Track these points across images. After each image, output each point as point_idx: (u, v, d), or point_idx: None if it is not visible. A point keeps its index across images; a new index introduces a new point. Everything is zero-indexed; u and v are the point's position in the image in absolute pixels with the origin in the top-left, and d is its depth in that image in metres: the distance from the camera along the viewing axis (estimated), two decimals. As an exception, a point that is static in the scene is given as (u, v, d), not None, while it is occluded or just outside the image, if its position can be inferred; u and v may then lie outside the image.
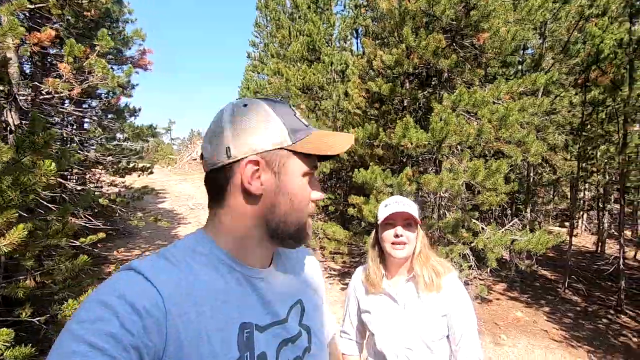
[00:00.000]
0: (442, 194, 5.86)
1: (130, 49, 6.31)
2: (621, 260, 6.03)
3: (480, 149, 5.56)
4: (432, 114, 4.98)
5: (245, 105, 0.64)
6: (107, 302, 0.47)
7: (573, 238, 8.22)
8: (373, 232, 1.51)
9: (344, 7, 10.13)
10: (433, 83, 6.33)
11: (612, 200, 10.98)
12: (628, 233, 10.87)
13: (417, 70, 6.19)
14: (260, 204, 0.62)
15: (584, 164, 8.38)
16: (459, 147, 5.58)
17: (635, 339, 5.21)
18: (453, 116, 4.82)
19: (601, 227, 10.22)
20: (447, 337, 1.35)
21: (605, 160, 8.13)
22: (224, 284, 0.60)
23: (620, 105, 5.64)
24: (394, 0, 5.43)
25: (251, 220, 0.63)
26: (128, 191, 8.88)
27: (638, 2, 5.55)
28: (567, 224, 13.66)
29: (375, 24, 8.04)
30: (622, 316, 5.90)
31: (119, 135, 7.00)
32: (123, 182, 8.91)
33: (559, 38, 7.70)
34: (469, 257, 6.03)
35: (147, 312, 0.49)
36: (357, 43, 11.30)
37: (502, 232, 5.60)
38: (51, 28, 4.10)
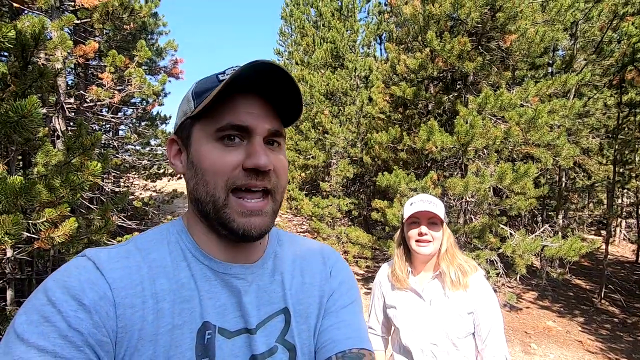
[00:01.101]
0: (468, 198, 5.77)
1: (163, 59, 6.70)
2: (663, 269, 5.69)
3: (508, 152, 5.45)
4: (457, 117, 4.94)
5: None
6: (52, 299, 0.44)
7: (610, 247, 7.83)
8: (399, 231, 1.54)
9: (368, 13, 10.24)
10: (458, 87, 6.28)
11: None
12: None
13: (441, 74, 6.16)
14: (187, 184, 0.57)
15: (620, 169, 7.99)
16: (485, 150, 5.49)
17: (679, 354, 4.90)
18: (479, 119, 4.77)
19: (641, 236, 9.66)
20: (473, 334, 1.36)
21: (644, 165, 7.72)
22: (189, 277, 0.53)
23: (659, 106, 5.38)
24: (417, 5, 5.46)
25: (190, 203, 0.58)
26: (159, 195, 9.29)
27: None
28: (603, 232, 12.98)
29: (399, 29, 8.08)
30: (665, 329, 5.56)
31: (152, 141, 7.35)
32: (154, 186, 9.33)
33: (592, 38, 7.45)
34: (497, 263, 5.88)
35: (95, 306, 0.45)
36: (380, 49, 11.37)
37: (532, 238, 5.44)
38: (94, 41, 4.42)
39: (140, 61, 3.90)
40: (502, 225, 5.75)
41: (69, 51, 3.90)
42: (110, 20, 4.45)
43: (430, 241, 1.38)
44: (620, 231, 12.69)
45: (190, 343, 0.50)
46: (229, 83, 0.49)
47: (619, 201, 11.24)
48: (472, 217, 6.04)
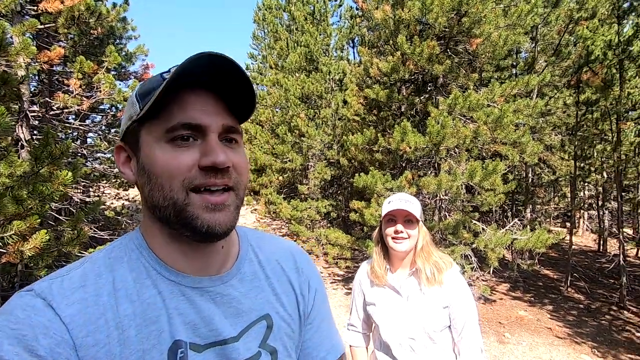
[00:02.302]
0: (442, 196, 5.97)
1: (133, 64, 6.52)
2: (621, 257, 6.10)
3: (478, 150, 5.69)
4: (429, 118, 5.12)
5: None
6: (2, 353, 0.39)
7: (575, 237, 8.30)
8: (377, 229, 1.60)
9: (340, 17, 10.39)
10: (429, 88, 6.49)
11: (612, 198, 11.05)
12: (628, 231, 10.92)
13: (413, 77, 6.36)
14: (140, 192, 0.53)
15: (581, 164, 8.50)
16: (456, 149, 5.71)
17: (638, 334, 5.26)
18: (449, 119, 4.96)
19: (602, 226, 10.28)
20: (449, 327, 1.42)
21: (602, 159, 8.25)
22: (155, 295, 0.50)
23: (613, 105, 5.78)
24: (388, 10, 5.61)
25: (146, 212, 0.54)
26: (132, 204, 9.00)
27: (625, 4, 5.73)
28: (568, 223, 13.72)
29: (371, 33, 8.25)
30: (625, 312, 5.95)
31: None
32: (127, 195, 9.03)
33: (550, 41, 7.90)
34: (471, 258, 6.10)
35: (52, 354, 0.41)
36: (353, 52, 11.55)
37: (503, 232, 5.69)
38: (58, 46, 4.27)
39: (109, 67, 3.80)
40: (474, 221, 5.97)
41: (32, 57, 3.76)
42: (76, 25, 4.32)
43: (406, 238, 1.43)
44: (583, 222, 13.46)
45: None
46: (174, 79, 0.46)
47: (581, 194, 11.92)
48: (447, 214, 6.25)
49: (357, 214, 6.46)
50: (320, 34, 9.09)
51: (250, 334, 0.56)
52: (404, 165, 6.73)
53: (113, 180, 7.48)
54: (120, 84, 7.67)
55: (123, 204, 8.92)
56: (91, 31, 4.53)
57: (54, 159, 2.37)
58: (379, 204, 5.63)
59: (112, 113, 6.02)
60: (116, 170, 6.07)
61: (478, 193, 5.79)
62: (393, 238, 1.45)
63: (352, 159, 7.14)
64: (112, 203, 8.68)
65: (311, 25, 8.96)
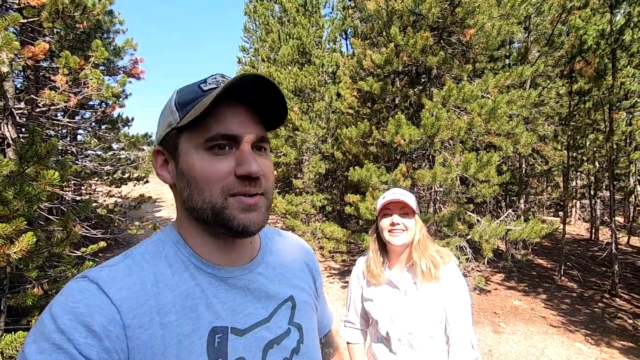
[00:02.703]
0: (436, 188, 5.97)
1: (122, 59, 6.37)
2: (613, 245, 6.18)
3: (472, 142, 5.68)
4: (423, 110, 5.08)
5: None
6: (61, 326, 0.44)
7: (567, 227, 8.39)
8: (374, 225, 1.57)
9: (332, 9, 10.26)
10: (423, 80, 6.45)
11: (604, 187, 11.18)
12: (620, 219, 11.07)
13: (406, 69, 6.31)
14: (177, 194, 0.59)
15: (574, 154, 8.55)
16: (450, 141, 5.69)
17: (630, 321, 5.34)
18: (444, 111, 4.93)
19: (594, 215, 10.40)
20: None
21: (594, 149, 8.30)
22: (193, 286, 0.55)
23: (605, 94, 5.79)
24: (381, 1, 5.54)
25: (182, 212, 0.59)
26: (125, 201, 8.91)
27: (617, -7, 5.71)
28: (560, 213, 13.87)
29: (364, 24, 8.16)
30: (617, 299, 6.04)
31: (114, 145, 7.02)
32: (119, 192, 8.93)
33: (543, 31, 7.88)
34: (466, 249, 6.14)
35: (104, 331, 0.45)
36: (346, 44, 11.42)
37: (497, 223, 5.72)
38: (43, 41, 4.15)
39: (96, 62, 3.69)
40: (469, 213, 5.99)
41: (15, 53, 3.65)
42: (61, 19, 4.19)
43: (403, 230, 1.40)
44: (576, 211, 13.62)
45: (201, 348, 0.52)
46: (215, 97, 0.50)
47: (573, 183, 12.03)
48: (441, 206, 6.26)
49: (353, 207, 6.44)
50: (312, 26, 8.97)
51: (279, 314, 0.63)
52: (398, 158, 6.71)
53: (105, 178, 7.38)
54: (109, 80, 7.53)
55: (116, 201, 8.83)
56: (77, 25, 4.41)
57: (40, 158, 2.30)
58: (374, 197, 5.61)
59: (102, 109, 5.90)
60: (107, 167, 5.98)
61: (472, 185, 5.81)
62: (389, 231, 1.42)
63: (347, 152, 7.10)
64: (104, 201, 8.58)
65: (303, 17, 8.83)
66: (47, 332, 0.44)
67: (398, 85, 6.59)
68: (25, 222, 1.89)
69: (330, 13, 10.48)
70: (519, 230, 5.41)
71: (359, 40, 6.89)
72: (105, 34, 6.27)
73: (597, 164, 9.68)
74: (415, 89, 6.33)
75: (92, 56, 3.63)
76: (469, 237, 5.69)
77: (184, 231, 0.59)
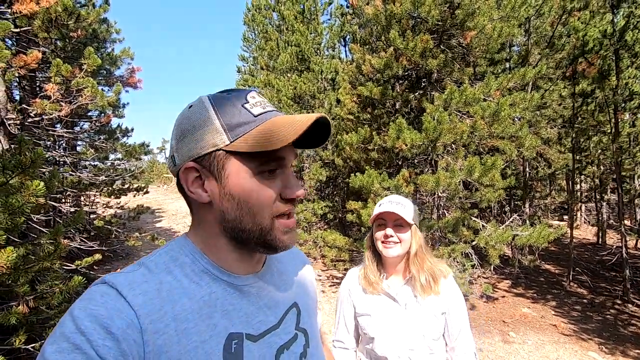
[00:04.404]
0: (439, 193, 5.83)
1: (119, 68, 6.31)
2: (623, 249, 6.01)
3: (475, 146, 5.56)
4: (425, 113, 4.98)
5: (190, 107, 0.59)
6: (81, 328, 0.45)
7: (573, 231, 8.21)
8: (369, 233, 1.49)
9: (330, 16, 10.25)
10: (423, 84, 6.36)
11: (609, 190, 11.01)
12: (627, 222, 10.88)
13: (406, 73, 6.22)
14: (213, 211, 0.58)
15: (578, 156, 8.41)
16: (453, 145, 5.58)
17: (645, 328, 5.15)
18: (446, 115, 4.83)
19: (600, 218, 10.22)
20: (443, 335, 1.37)
21: (599, 151, 8.17)
22: (209, 294, 0.56)
23: (609, 95, 5.68)
24: (379, 5, 5.48)
25: (213, 228, 0.59)
26: (123, 212, 8.79)
27: (618, -6, 5.64)
28: (565, 217, 13.68)
29: (362, 30, 8.12)
30: (630, 305, 5.85)
31: (112, 155, 6.94)
32: (118, 203, 8.81)
33: (544, 34, 7.81)
34: (471, 255, 5.97)
35: (123, 334, 0.46)
36: (344, 51, 11.40)
37: (503, 228, 5.57)
38: (37, 51, 4.08)
39: (89, 69, 3.61)
40: (474, 218, 5.85)
41: (6, 62, 3.58)
42: (55, 28, 4.13)
43: (397, 243, 1.35)
44: (581, 215, 13.41)
45: (218, 354, 0.53)
46: (280, 139, 0.53)
47: (578, 187, 11.86)
48: (445, 211, 6.12)
49: (354, 214, 6.31)
50: (311, 33, 8.94)
51: (287, 320, 0.65)
52: (399, 163, 6.59)
53: (102, 189, 7.27)
54: (108, 91, 7.46)
55: (115, 212, 8.70)
56: (72, 34, 4.35)
57: (25, 168, 2.19)
58: (376, 203, 5.48)
59: (98, 119, 5.82)
60: (102, 178, 5.88)
61: (476, 189, 5.67)
62: (382, 242, 1.36)
63: (347, 159, 6.99)
64: (102, 212, 8.46)
65: (301, 24, 8.81)
66: (67, 333, 0.45)
67: (398, 90, 6.49)
68: (5, 237, 1.78)
69: (329, 19, 10.47)
70: (527, 235, 5.25)
71: (358, 45, 6.83)
72: (101, 44, 6.23)
73: (601, 166, 9.53)
74: (416, 93, 6.24)
75: (85, 64, 3.55)
76: (474, 243, 5.54)
77: (204, 243, 0.60)
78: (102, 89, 4.63)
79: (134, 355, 0.46)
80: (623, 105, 5.90)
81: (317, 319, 0.79)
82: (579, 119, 7.40)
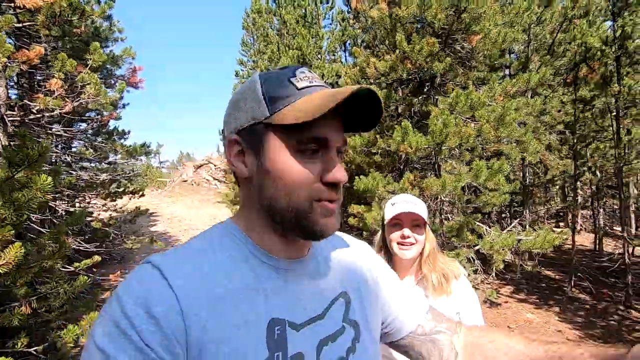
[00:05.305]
0: (443, 198, 5.81)
1: (120, 67, 6.22)
2: (626, 255, 6.02)
3: (480, 150, 5.55)
4: (431, 116, 4.97)
5: (243, 82, 0.59)
6: (125, 311, 0.45)
7: (575, 236, 8.22)
8: (379, 233, 1.46)
9: (332, 20, 10.28)
10: (426, 89, 6.37)
11: (609, 196, 11.09)
12: (618, 228, 10.95)
13: (410, 77, 6.22)
14: (253, 188, 0.56)
15: (577, 162, 8.47)
16: (457, 149, 5.56)
17: (649, 334, 5.13)
18: (452, 118, 4.81)
19: (597, 225, 10.28)
20: None
21: (598, 158, 8.23)
22: (252, 278, 0.54)
23: (611, 101, 5.73)
24: (384, 8, 5.49)
25: (254, 206, 0.58)
26: (120, 214, 8.63)
27: (620, 3, 5.72)
28: (561, 224, 13.76)
29: (365, 34, 8.14)
30: (633, 312, 5.84)
31: (111, 156, 6.82)
32: (114, 205, 8.66)
33: (543, 41, 7.90)
34: (474, 260, 5.94)
35: (165, 317, 0.46)
36: (345, 56, 11.43)
37: (507, 233, 5.54)
38: (39, 46, 3.99)
39: (94, 65, 3.53)
40: (477, 223, 5.82)
41: (8, 56, 3.48)
42: (57, 24, 4.05)
43: (413, 244, 1.32)
44: (577, 221, 13.51)
45: (261, 339, 0.51)
46: (321, 109, 0.49)
47: (576, 193, 11.95)
48: (449, 216, 6.08)
49: (357, 218, 6.25)
50: (312, 37, 8.94)
51: (332, 310, 0.60)
52: (402, 167, 6.57)
53: (100, 190, 7.13)
54: (110, 92, 7.33)
55: (110, 214, 8.54)
56: (74, 30, 4.26)
57: (32, 162, 2.10)
58: (381, 207, 5.43)
59: (99, 119, 5.72)
60: (103, 177, 5.75)
61: (480, 193, 5.65)
62: (399, 244, 1.33)
63: (350, 163, 6.95)
64: (99, 214, 8.30)
65: (303, 28, 8.81)
66: (114, 316, 0.46)
67: (401, 94, 6.49)
68: (13, 232, 1.69)
69: (330, 24, 10.50)
70: (531, 240, 5.24)
71: (361, 48, 6.83)
72: (103, 42, 6.14)
73: (598, 173, 9.60)
74: (419, 97, 6.24)
75: (90, 59, 3.47)
76: (477, 247, 5.50)
77: (247, 224, 0.59)
78: (103, 85, 4.54)
79: (177, 338, 0.46)
80: (625, 111, 5.95)
81: (375, 309, 0.68)
82: (580, 125, 7.45)
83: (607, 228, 12.12)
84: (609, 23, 6.50)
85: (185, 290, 0.49)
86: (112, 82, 6.38)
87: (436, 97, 5.83)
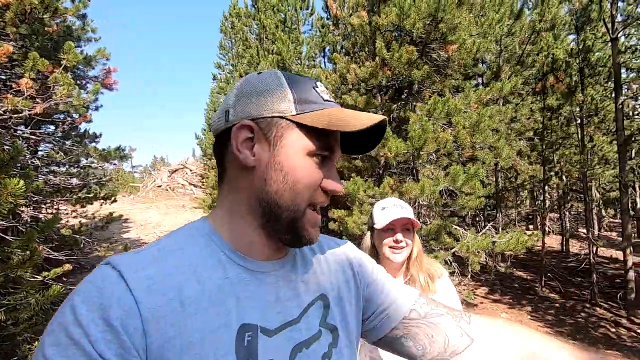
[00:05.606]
0: (421, 202, 5.94)
1: (93, 68, 5.98)
2: (591, 256, 6.35)
3: (457, 155, 5.74)
4: (410, 122, 5.09)
5: (259, 74, 0.58)
6: (79, 318, 0.42)
7: (545, 238, 8.60)
8: (367, 237, 1.49)
9: (311, 26, 10.36)
10: (404, 95, 6.52)
11: (571, 200, 11.68)
12: (584, 231, 11.56)
13: (389, 83, 6.36)
14: (254, 179, 0.55)
15: (546, 167, 8.89)
16: (434, 154, 5.72)
17: (612, 329, 5.43)
18: (430, 124, 4.95)
19: (564, 227, 10.81)
20: None
21: (564, 164, 8.68)
22: (224, 280, 0.52)
23: (576, 110, 6.08)
24: (364, 16, 5.60)
25: (244, 199, 0.56)
26: (91, 221, 8.26)
27: (582, 18, 6.10)
28: (531, 226, 14.36)
29: (344, 41, 8.26)
30: (598, 309, 6.16)
31: (83, 159, 6.54)
32: (85, 212, 8.29)
33: (513, 52, 8.30)
34: (451, 263, 6.09)
35: (122, 324, 0.43)
36: (324, 62, 11.53)
37: (482, 236, 5.73)
38: (7, 44, 3.80)
39: (68, 65, 3.39)
40: (454, 226, 5.99)
41: (-26, 54, 3.30)
42: (27, 22, 3.88)
43: (404, 247, 1.36)
44: (546, 224, 14.15)
45: (229, 346, 0.48)
46: (339, 126, 0.53)
47: (541, 198, 12.54)
48: (427, 219, 6.22)
49: (337, 222, 6.28)
50: (292, 42, 8.98)
51: (309, 314, 0.58)
52: (381, 172, 6.68)
53: (69, 196, 6.81)
54: (84, 94, 7.03)
55: (80, 221, 8.16)
56: (46, 29, 4.08)
57: (3, 164, 1.99)
58: (362, 211, 5.49)
59: (70, 121, 5.48)
60: (74, 181, 5.50)
61: (457, 197, 5.82)
62: (391, 247, 1.37)
63: (330, 167, 6.98)
64: (67, 221, 7.91)
65: (283, 33, 8.84)
66: (65, 323, 0.42)
67: (380, 100, 6.62)
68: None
69: (309, 30, 10.59)
70: (505, 242, 5.44)
71: (341, 55, 6.92)
72: (76, 42, 5.89)
73: (564, 178, 10.13)
74: (398, 103, 6.38)
75: (64, 59, 3.33)
76: (454, 250, 5.65)
77: (225, 222, 0.57)
78: (78, 89, 4.36)
79: (135, 346, 0.43)
80: (588, 119, 6.32)
81: (355, 311, 0.66)
82: (548, 132, 7.85)
83: (573, 230, 12.78)
84: (572, 37, 6.90)
85: (146, 293, 0.46)
86: (84, 83, 6.14)
87: (414, 103, 5.99)
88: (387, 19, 5.25)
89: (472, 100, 5.48)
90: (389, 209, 1.38)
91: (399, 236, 1.35)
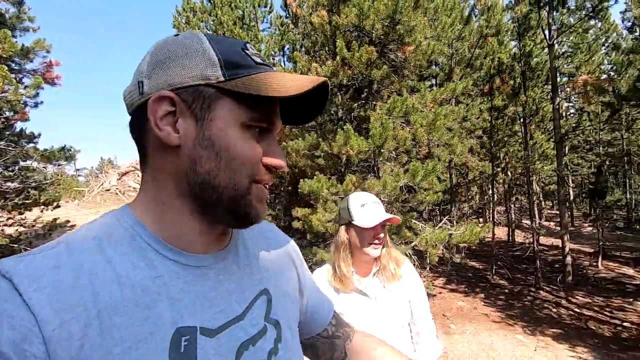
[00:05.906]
0: (382, 198, 6.12)
1: (32, 61, 5.41)
2: (535, 244, 6.92)
3: (414, 152, 5.97)
4: (371, 120, 5.23)
5: (176, 35, 0.50)
6: None
7: (495, 230, 9.22)
8: (342, 233, 1.48)
9: (270, 24, 10.26)
10: (364, 94, 6.68)
11: (516, 194, 12.64)
12: (527, 222, 12.59)
13: (349, 83, 6.48)
14: (180, 159, 0.47)
15: (494, 164, 9.55)
16: (394, 152, 5.93)
17: (554, 310, 5.96)
18: (390, 122, 5.11)
19: (510, 219, 11.68)
20: (408, 322, 1.45)
21: (510, 160, 9.38)
22: (152, 278, 0.44)
23: (520, 110, 6.59)
24: (324, 15, 5.65)
25: (171, 184, 0.48)
26: (30, 229, 7.54)
27: (523, 25, 6.62)
28: (481, 219, 15.34)
29: (305, 39, 8.27)
30: (541, 292, 6.73)
31: (21, 162, 5.95)
32: (24, 219, 7.55)
33: (463, 55, 8.81)
34: (411, 256, 6.35)
35: (16, 350, 0.35)
36: (283, 60, 11.48)
37: (439, 229, 6.03)
38: None
39: (4, 55, 3.07)
40: (414, 220, 6.24)
41: None
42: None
43: (382, 242, 1.41)
44: (494, 217, 15.19)
45: (162, 355, 0.42)
46: (280, 92, 0.45)
47: (490, 192, 13.47)
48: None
49: (301, 221, 6.28)
50: (250, 40, 8.83)
51: (254, 310, 0.54)
52: (343, 169, 6.78)
53: (4, 202, 6.17)
54: (21, 90, 6.35)
55: (17, 229, 7.43)
56: (-26, 15, 3.66)
57: None
58: (326, 209, 5.54)
59: (3, 119, 4.96)
60: (14, 184, 4.99)
61: (416, 192, 6.08)
62: (371, 243, 1.39)
63: (294, 166, 6.96)
64: (2, 230, 7.15)
65: (241, 30, 8.66)
66: None
67: (341, 99, 6.72)
68: None
69: (268, 28, 10.47)
70: (460, 234, 5.76)
71: (302, 54, 6.93)
72: (10, 32, 5.29)
73: (509, 173, 10.95)
74: (359, 102, 6.52)
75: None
76: (414, 244, 5.89)
77: (151, 208, 0.49)
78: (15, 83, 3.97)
79: None
80: (530, 119, 6.88)
81: (296, 308, 0.65)
82: (495, 130, 8.44)
83: (518, 221, 13.83)
84: (514, 42, 7.46)
85: (50, 306, 0.37)
86: (21, 77, 5.56)
87: (374, 102, 6.15)
88: (347, 19, 5.35)
89: (428, 100, 5.74)
90: (369, 205, 1.39)
91: (381, 234, 1.38)
